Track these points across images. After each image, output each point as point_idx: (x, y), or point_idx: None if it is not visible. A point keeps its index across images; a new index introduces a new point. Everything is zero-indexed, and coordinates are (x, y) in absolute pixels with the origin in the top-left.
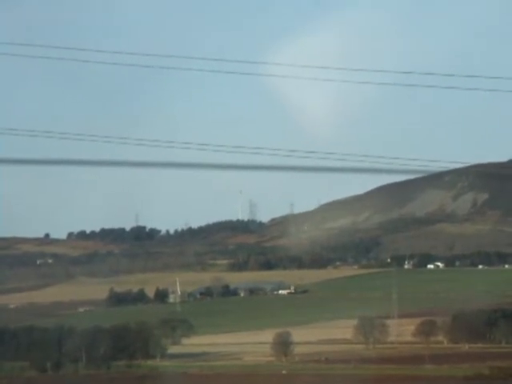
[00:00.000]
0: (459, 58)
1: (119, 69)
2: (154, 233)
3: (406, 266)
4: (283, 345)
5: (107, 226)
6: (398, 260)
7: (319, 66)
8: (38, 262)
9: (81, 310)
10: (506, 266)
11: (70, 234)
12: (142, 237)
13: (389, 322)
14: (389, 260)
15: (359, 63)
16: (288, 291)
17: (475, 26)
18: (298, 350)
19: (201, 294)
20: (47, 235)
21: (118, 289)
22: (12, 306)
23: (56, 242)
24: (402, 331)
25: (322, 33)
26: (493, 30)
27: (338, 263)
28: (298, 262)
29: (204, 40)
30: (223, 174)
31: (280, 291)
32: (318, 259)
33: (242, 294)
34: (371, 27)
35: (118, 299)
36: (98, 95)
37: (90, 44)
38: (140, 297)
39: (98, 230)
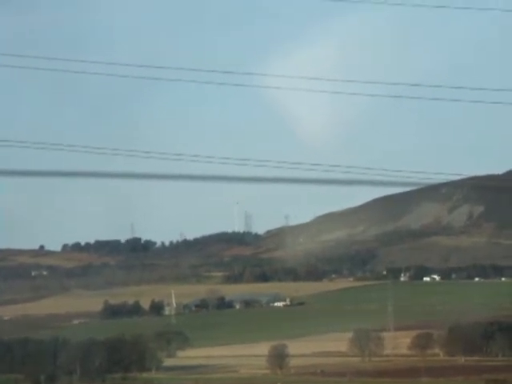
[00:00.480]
0: (453, 69)
1: (118, 80)
2: (149, 245)
3: (401, 279)
4: (279, 357)
5: (102, 238)
6: (394, 272)
7: (325, 78)
8: (33, 274)
9: (75, 322)
10: (503, 279)
11: (65, 246)
12: (137, 249)
13: (384, 334)
14: (384, 272)
15: (359, 75)
16: (284, 303)
17: (467, 39)
18: (293, 362)
19: (196, 306)
20: (42, 247)
21: (113, 301)
22: (6, 318)
23: (51, 253)
24: (397, 344)
25: (325, 44)
26: (485, 44)
27: (333, 275)
28: (293, 274)
29: (200, 51)
30: (218, 186)
31: (276, 303)
32: (314, 271)
33: (237, 307)
34: (372, 38)
35: (113, 311)
36: (96, 106)
37: (92, 55)
38: (135, 309)
39: (92, 241)
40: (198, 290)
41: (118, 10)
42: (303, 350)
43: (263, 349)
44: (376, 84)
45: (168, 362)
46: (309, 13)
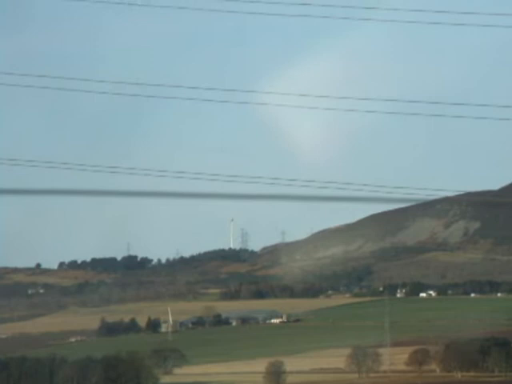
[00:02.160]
0: (449, 86)
1: (109, 98)
2: (145, 262)
3: (398, 295)
4: (276, 374)
5: (98, 256)
6: (391, 288)
7: (315, 95)
8: (30, 292)
9: (72, 340)
10: (499, 295)
11: (62, 264)
12: (133, 266)
13: (381, 350)
14: (381, 288)
15: (355, 92)
16: (280, 320)
17: (465, 55)
18: (290, 379)
19: (193, 323)
20: (38, 265)
21: (110, 318)
22: (3, 336)
23: (47, 271)
24: (394, 360)
25: (316, 61)
26: (483, 61)
27: (330, 292)
28: (289, 291)
29: (197, 69)
30: (215, 203)
31: (272, 320)
32: (310, 288)
33: (234, 323)
34: (369, 55)
35: (110, 329)
36: (88, 124)
37: (81, 73)
38: (131, 326)
39: (89, 259)
40: (195, 307)
41: (117, 29)
42: (300, 366)
43: (260, 365)
44: (373, 100)
45: (164, 379)
46: (306, 31)
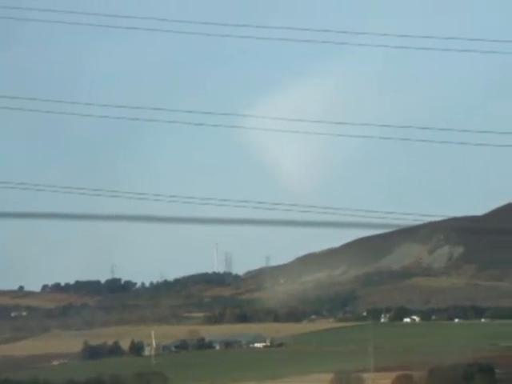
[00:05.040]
0: (435, 112)
1: (98, 121)
2: (129, 285)
3: (382, 320)
4: None
5: (82, 279)
6: (374, 313)
7: (303, 119)
8: (13, 315)
9: (55, 363)
10: (482, 320)
11: (45, 287)
12: (117, 289)
13: (365, 375)
14: (365, 313)
15: (339, 117)
16: (264, 344)
17: (452, 82)
18: None
19: (176, 346)
20: (21, 288)
21: (93, 341)
22: None
23: (30, 294)
24: None
25: (305, 86)
26: (469, 86)
27: (313, 316)
28: (273, 315)
29: (181, 92)
30: (198, 227)
31: (256, 344)
32: (294, 312)
33: (217, 347)
34: (354, 81)
35: (93, 352)
36: (75, 147)
37: (73, 97)
38: (115, 350)
39: (72, 282)
40: (178, 331)
41: (99, 52)
42: None
43: None
44: (357, 126)
45: None
46: (297, 56)
